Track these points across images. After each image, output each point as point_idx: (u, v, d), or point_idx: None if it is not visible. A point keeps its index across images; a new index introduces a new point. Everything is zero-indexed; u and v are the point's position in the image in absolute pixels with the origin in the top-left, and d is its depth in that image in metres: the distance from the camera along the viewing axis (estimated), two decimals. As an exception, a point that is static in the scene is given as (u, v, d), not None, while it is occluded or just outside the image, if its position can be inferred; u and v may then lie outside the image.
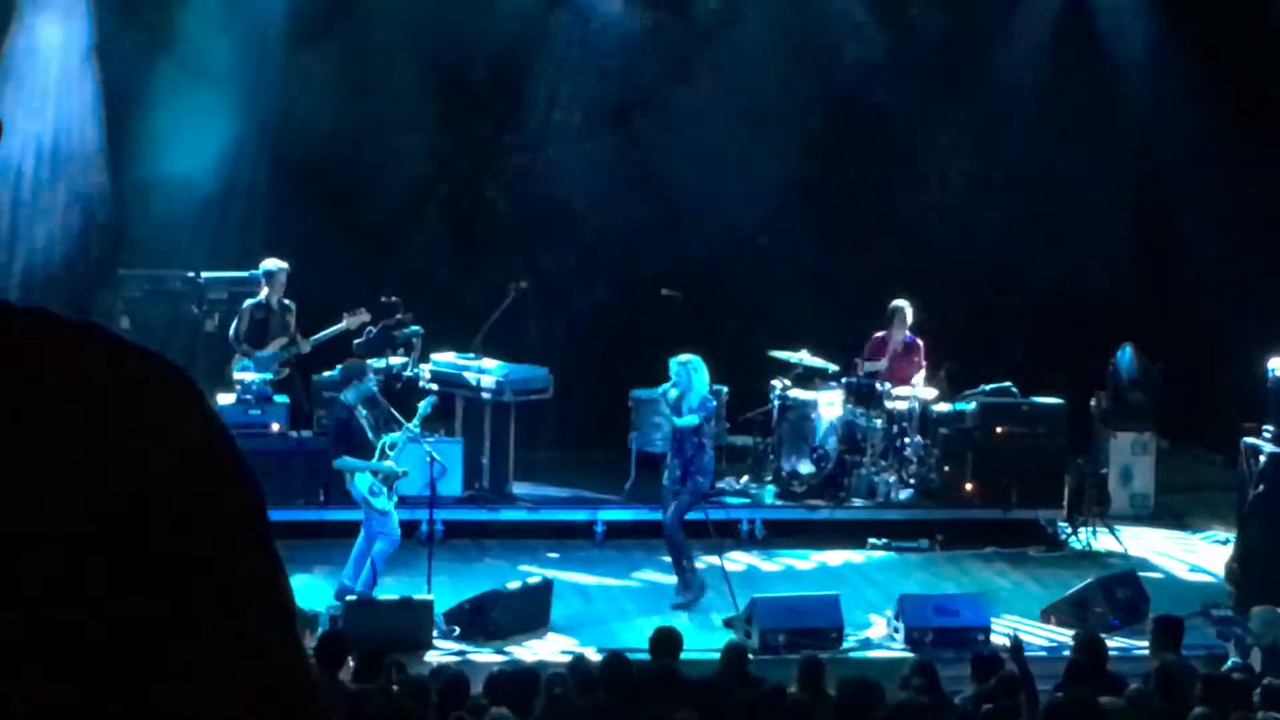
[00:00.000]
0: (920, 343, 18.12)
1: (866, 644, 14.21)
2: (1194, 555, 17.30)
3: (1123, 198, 20.67)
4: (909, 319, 18.14)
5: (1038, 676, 11.15)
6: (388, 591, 14.44)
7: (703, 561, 15.19)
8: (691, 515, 15.24)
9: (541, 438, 18.13)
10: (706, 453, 15.16)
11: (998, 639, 13.29)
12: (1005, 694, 10.59)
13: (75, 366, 1.45)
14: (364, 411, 14.72)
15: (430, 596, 14.25)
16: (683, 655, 13.06)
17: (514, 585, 14.85)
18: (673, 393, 15.09)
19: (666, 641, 11.96)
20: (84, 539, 1.40)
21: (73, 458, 1.41)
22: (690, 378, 15.01)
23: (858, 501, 17.32)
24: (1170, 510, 18.58)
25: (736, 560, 15.91)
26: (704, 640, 14.01)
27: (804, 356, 17.54)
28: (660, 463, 17.90)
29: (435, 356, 17.46)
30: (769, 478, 17.66)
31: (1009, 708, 10.37)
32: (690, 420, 14.98)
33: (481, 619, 14.11)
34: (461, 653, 13.76)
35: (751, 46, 19.91)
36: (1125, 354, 18.77)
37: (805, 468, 17.49)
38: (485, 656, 13.52)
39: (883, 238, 20.04)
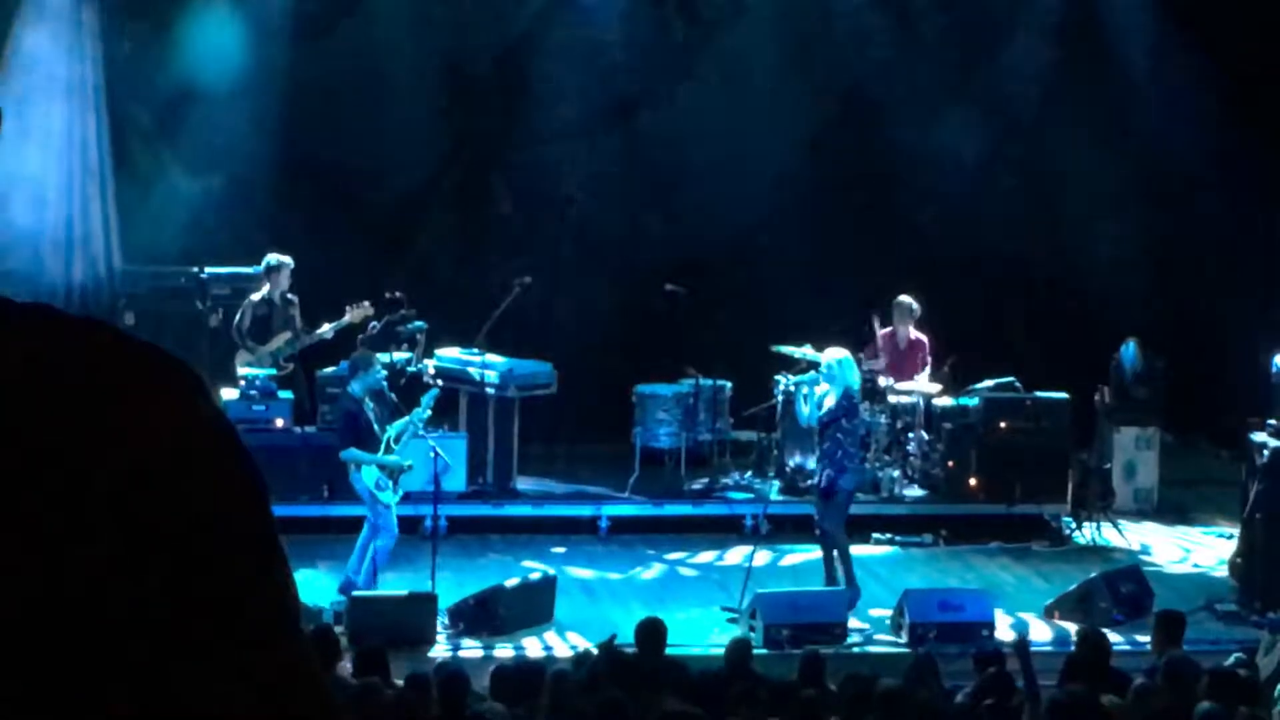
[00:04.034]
0: (925, 338, 18.12)
1: (871, 639, 14.21)
2: (1198, 550, 17.29)
3: (1126, 192, 20.64)
4: (913, 315, 18.15)
5: (1042, 672, 11.15)
6: (391, 587, 14.44)
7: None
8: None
9: (545, 433, 18.12)
10: (843, 449, 15.13)
11: (1005, 636, 13.28)
12: (1003, 690, 10.59)
13: (78, 362, 1.45)
14: (371, 404, 14.71)
15: (434, 592, 14.25)
16: (691, 650, 13.11)
17: (518, 580, 14.86)
18: (820, 389, 15.10)
19: (651, 632, 11.96)
20: (83, 534, 1.40)
21: (74, 452, 1.41)
22: (843, 373, 15.02)
23: (862, 497, 17.29)
24: (1174, 505, 18.57)
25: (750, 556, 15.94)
26: (706, 635, 14.05)
27: (808, 351, 17.52)
28: (663, 457, 17.95)
29: (439, 351, 17.47)
30: (773, 473, 17.66)
31: (1009, 704, 10.37)
32: (814, 417, 15.02)
33: (485, 614, 14.11)
34: (468, 647, 13.77)
35: (755, 41, 19.90)
36: (1129, 348, 18.76)
37: (809, 463, 17.48)
38: (488, 652, 13.51)
39: (887, 232, 20.02)
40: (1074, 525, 17.49)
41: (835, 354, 15.18)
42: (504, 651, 13.48)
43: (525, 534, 16.85)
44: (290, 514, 14.94)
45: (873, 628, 14.46)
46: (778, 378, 17.44)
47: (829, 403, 15.00)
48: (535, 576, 14.92)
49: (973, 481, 17.51)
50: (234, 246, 18.20)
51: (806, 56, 19.98)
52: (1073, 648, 12.12)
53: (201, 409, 1.49)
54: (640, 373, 18.10)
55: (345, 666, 11.23)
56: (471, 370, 17.11)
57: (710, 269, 19.52)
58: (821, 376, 15.19)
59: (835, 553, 15.11)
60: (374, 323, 17.29)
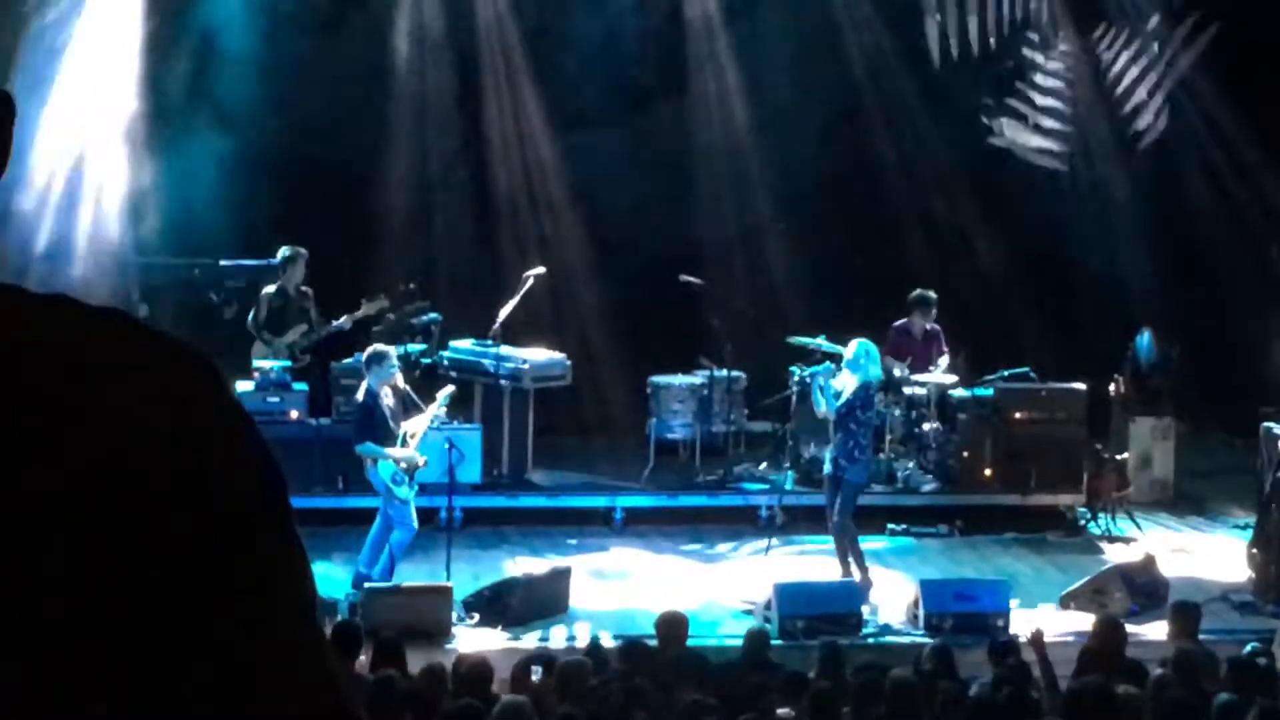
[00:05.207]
0: (940, 330, 18.10)
1: (886, 630, 14.21)
2: (1213, 541, 17.26)
3: (1140, 183, 20.62)
4: (928, 307, 18.13)
5: (1058, 662, 11.15)
6: (406, 579, 14.45)
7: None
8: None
9: (560, 424, 18.13)
10: (855, 440, 15.08)
11: (1021, 630, 13.26)
12: (1020, 681, 10.58)
13: (95, 351, 1.45)
14: (386, 398, 14.69)
15: (449, 583, 14.26)
16: (708, 640, 13.11)
17: (533, 572, 14.86)
18: (840, 379, 15.07)
19: (673, 624, 11.96)
20: (100, 520, 1.39)
21: (91, 440, 1.41)
22: (868, 365, 14.97)
23: (877, 487, 17.28)
24: (1189, 495, 18.55)
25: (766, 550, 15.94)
26: (721, 626, 14.06)
27: (822, 342, 17.50)
28: (679, 448, 17.97)
29: (454, 343, 17.47)
30: (788, 463, 17.65)
31: (1025, 695, 10.36)
32: (831, 407, 15.00)
33: (500, 606, 14.12)
34: (484, 638, 13.77)
35: (772, 32, 19.89)
36: (1144, 339, 18.74)
37: (824, 453, 17.46)
38: (504, 643, 13.52)
39: (900, 223, 20.01)
40: (1089, 516, 17.47)
41: (862, 344, 15.14)
42: (519, 643, 13.48)
43: (540, 525, 16.86)
44: (305, 506, 14.93)
45: (888, 618, 14.44)
46: (793, 368, 17.43)
47: (847, 393, 14.97)
48: (550, 568, 14.92)
49: (988, 472, 17.50)
50: (247, 238, 18.22)
51: (822, 47, 19.96)
52: (1088, 638, 12.10)
53: (219, 397, 1.48)
54: (655, 364, 18.10)
55: (362, 660, 11.24)
56: (486, 362, 17.11)
57: (725, 259, 19.52)
58: (846, 366, 15.16)
59: (845, 543, 15.10)
60: (389, 315, 17.30)
